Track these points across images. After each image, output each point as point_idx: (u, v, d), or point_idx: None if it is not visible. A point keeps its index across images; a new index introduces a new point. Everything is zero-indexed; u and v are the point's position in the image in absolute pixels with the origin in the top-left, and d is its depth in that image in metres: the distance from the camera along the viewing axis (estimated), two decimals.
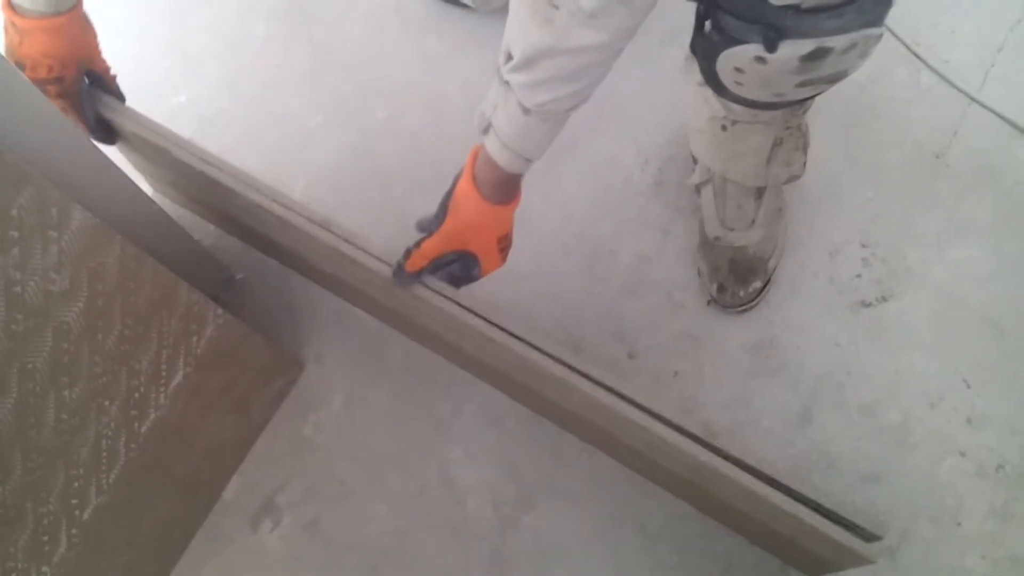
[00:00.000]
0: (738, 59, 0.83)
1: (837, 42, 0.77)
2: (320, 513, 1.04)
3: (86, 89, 0.95)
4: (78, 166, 0.83)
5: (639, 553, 1.00)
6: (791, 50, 0.78)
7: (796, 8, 0.75)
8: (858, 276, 1.14)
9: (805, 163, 1.06)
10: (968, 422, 1.04)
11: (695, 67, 0.94)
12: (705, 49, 0.87)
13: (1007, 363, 1.07)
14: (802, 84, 0.85)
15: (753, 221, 1.09)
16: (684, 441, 0.80)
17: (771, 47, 0.78)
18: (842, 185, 1.20)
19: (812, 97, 0.93)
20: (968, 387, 1.06)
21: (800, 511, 0.77)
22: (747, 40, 0.80)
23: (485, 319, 0.86)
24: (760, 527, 0.89)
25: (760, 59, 0.80)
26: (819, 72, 0.82)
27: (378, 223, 1.17)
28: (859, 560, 0.77)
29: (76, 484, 0.80)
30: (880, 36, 0.79)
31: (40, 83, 0.91)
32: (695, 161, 1.13)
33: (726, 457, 0.79)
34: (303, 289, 1.18)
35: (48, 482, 0.77)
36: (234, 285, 1.18)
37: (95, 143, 0.89)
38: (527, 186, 1.24)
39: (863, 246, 1.15)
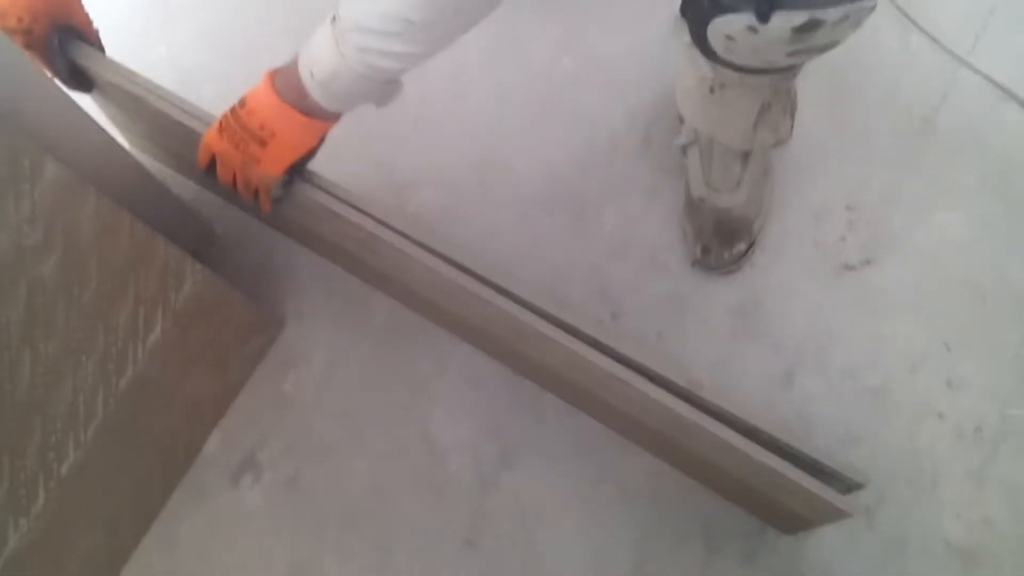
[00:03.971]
0: (729, 27, 0.81)
1: (830, 14, 0.76)
2: (300, 469, 1.04)
3: (55, 43, 0.93)
4: (52, 117, 0.82)
5: (618, 512, 1.01)
6: (784, 21, 0.77)
7: None
8: (842, 239, 1.13)
9: (792, 127, 1.05)
10: (948, 385, 1.05)
11: (685, 29, 0.92)
12: (695, 14, 0.85)
13: (988, 327, 1.08)
14: (793, 53, 0.83)
15: (739, 183, 1.09)
16: (667, 396, 0.80)
17: (763, 18, 0.77)
18: (829, 147, 1.19)
19: (802, 63, 0.92)
20: (949, 351, 1.07)
21: (780, 464, 0.78)
22: (739, 9, 0.78)
23: (464, 269, 0.86)
24: (739, 485, 0.90)
25: (752, 29, 0.79)
26: (811, 43, 0.81)
27: (359, 182, 1.15)
28: (837, 513, 0.78)
29: (53, 439, 0.80)
30: (873, 7, 0.78)
31: (7, 32, 0.88)
32: (681, 121, 1.12)
33: (707, 411, 0.80)
34: (284, 246, 1.17)
35: (24, 436, 0.76)
36: (214, 240, 1.16)
37: (69, 93, 0.87)
38: (512, 144, 1.23)
39: (848, 209, 1.15)
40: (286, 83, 0.81)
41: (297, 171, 0.89)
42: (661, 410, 0.81)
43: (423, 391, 1.08)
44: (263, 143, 0.83)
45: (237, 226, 1.18)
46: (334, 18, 0.75)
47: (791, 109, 1.03)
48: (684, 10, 0.89)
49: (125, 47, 1.06)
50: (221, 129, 0.85)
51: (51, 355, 0.75)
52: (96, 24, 0.99)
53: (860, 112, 1.21)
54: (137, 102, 0.94)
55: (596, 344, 0.82)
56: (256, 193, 0.88)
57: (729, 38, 0.83)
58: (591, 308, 1.11)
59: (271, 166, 0.85)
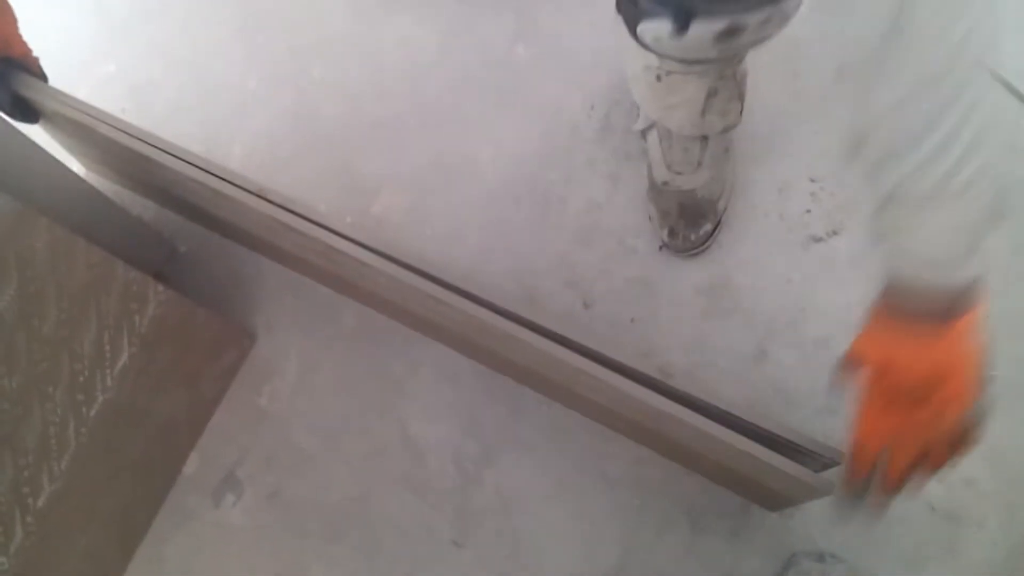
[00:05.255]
0: (654, 32, 0.82)
1: (751, 19, 0.76)
2: (281, 483, 1.04)
3: None
4: None
5: (602, 500, 1.01)
6: (704, 28, 0.77)
7: None
8: (808, 212, 1.13)
9: (741, 111, 1.04)
10: None
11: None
12: (626, 15, 0.85)
13: None
14: (722, 51, 0.83)
15: (699, 164, 1.08)
16: (637, 388, 0.80)
17: (682, 27, 0.77)
18: (788, 120, 1.19)
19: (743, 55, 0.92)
20: None
21: (754, 448, 0.78)
22: (658, 16, 0.79)
23: (428, 276, 0.85)
24: (719, 467, 0.90)
25: (675, 34, 0.79)
26: (738, 43, 0.81)
27: (320, 187, 1.15)
28: (814, 492, 0.78)
29: (26, 473, 0.79)
30: (799, 5, 0.78)
31: None
32: (639, 106, 1.12)
33: (681, 399, 0.80)
34: (249, 259, 1.16)
35: None
36: (177, 258, 1.15)
37: (15, 125, 0.86)
38: (474, 137, 1.22)
39: (811, 181, 1.15)
40: None
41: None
42: (633, 402, 0.81)
43: (399, 392, 1.08)
44: None
45: (201, 243, 1.17)
46: None
47: (739, 94, 1.02)
48: (619, 7, 0.89)
49: (74, 68, 1.04)
50: None
51: (16, 389, 0.75)
52: (41, 47, 0.97)
53: (816, 81, 1.21)
54: (84, 130, 0.93)
55: (565, 341, 0.82)
56: None
57: (657, 40, 0.83)
58: (562, 298, 1.11)
59: None
